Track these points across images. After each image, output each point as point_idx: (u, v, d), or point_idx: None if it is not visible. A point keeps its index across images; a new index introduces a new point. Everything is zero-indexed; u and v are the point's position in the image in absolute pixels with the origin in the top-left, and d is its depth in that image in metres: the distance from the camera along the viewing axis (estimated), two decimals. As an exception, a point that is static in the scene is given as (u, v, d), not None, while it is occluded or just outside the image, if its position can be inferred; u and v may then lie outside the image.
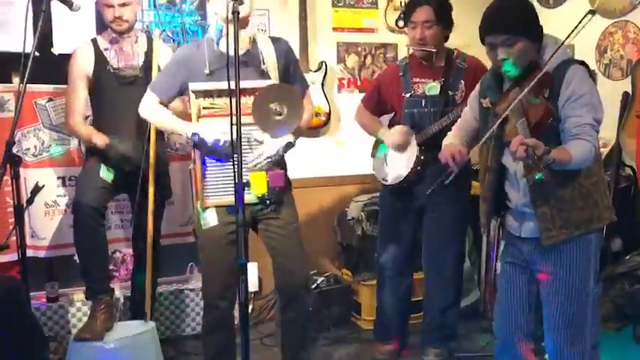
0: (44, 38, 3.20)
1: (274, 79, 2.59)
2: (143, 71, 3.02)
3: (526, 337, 2.23)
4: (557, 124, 2.00)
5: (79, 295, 3.40)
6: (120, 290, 3.46)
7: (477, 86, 2.32)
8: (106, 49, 3.02)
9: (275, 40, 2.68)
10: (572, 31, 1.95)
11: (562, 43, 1.98)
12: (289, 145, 2.59)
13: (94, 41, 3.05)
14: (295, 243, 2.69)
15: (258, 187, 2.48)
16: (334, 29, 4.18)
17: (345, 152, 4.19)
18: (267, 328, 3.78)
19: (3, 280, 2.65)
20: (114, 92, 3.00)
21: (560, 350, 2.13)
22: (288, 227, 2.66)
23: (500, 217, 2.32)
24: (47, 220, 3.38)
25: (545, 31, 2.13)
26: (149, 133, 2.94)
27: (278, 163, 2.61)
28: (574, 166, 1.94)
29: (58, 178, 3.40)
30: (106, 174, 2.91)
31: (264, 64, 2.59)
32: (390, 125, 3.31)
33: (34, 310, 3.14)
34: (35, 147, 3.35)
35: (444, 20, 3.07)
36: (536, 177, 1.79)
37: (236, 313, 2.66)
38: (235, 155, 2.00)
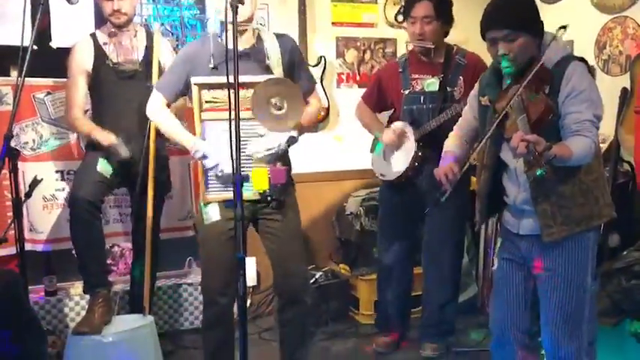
0: (43, 32, 3.20)
1: (278, 75, 2.58)
2: (143, 65, 3.02)
3: (522, 334, 2.24)
4: (558, 120, 2.00)
5: (77, 288, 3.40)
6: (118, 284, 3.47)
7: (476, 85, 2.31)
8: (105, 44, 3.02)
9: (279, 36, 2.68)
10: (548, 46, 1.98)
11: (522, 86, 1.98)
12: (292, 140, 2.57)
13: (94, 36, 3.05)
14: (295, 246, 2.68)
15: (259, 182, 2.47)
16: (333, 24, 4.18)
17: (344, 147, 4.19)
18: (265, 323, 3.79)
19: (1, 274, 2.65)
20: (113, 86, 3.00)
21: (558, 346, 2.13)
22: (289, 230, 2.65)
23: (498, 214, 2.32)
24: (45, 214, 3.38)
25: (545, 26, 2.12)
26: (149, 128, 2.94)
27: (281, 159, 2.59)
28: (574, 163, 1.94)
29: (57, 171, 3.40)
30: (103, 168, 2.91)
31: (268, 59, 2.59)
32: (390, 122, 3.32)
33: (32, 303, 3.14)
34: (34, 141, 3.35)
35: (443, 16, 3.07)
36: (537, 173, 1.79)
37: (234, 307, 2.67)
38: (234, 149, 2.00)
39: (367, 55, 4.27)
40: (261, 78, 2.49)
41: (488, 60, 2.28)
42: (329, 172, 4.16)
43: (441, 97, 3.10)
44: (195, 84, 2.52)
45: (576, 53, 2.75)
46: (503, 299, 2.27)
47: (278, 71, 2.59)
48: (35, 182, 2.82)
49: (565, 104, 1.99)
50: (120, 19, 2.97)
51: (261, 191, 2.50)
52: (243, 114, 2.52)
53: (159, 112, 2.65)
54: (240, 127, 2.51)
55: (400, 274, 3.36)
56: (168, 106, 2.65)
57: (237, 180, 1.98)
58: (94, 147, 3.00)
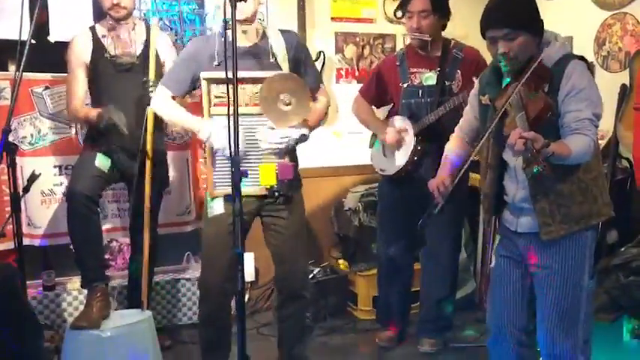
0: (41, 26, 3.18)
1: (285, 70, 2.58)
2: (141, 59, 3.01)
3: (518, 331, 2.24)
4: (557, 119, 2.00)
5: (75, 283, 3.40)
6: (117, 279, 3.47)
7: (476, 84, 2.32)
8: (103, 37, 3.01)
9: (284, 32, 2.67)
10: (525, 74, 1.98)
11: (520, 83, 1.98)
12: (302, 138, 2.57)
13: (93, 29, 3.04)
14: (299, 243, 2.69)
15: (266, 178, 2.47)
16: (332, 19, 4.16)
17: (343, 143, 4.19)
18: (263, 318, 3.79)
19: (-1, 268, 2.65)
20: (111, 79, 2.99)
21: (553, 343, 2.14)
22: (294, 227, 2.65)
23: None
24: (43, 209, 3.37)
25: (545, 22, 2.12)
26: (146, 122, 2.93)
27: (289, 155, 2.59)
28: (573, 161, 1.94)
29: (55, 166, 3.40)
30: (101, 162, 2.90)
31: (273, 56, 2.59)
32: (389, 116, 3.32)
33: (30, 298, 3.14)
34: (32, 135, 3.34)
35: (440, 10, 3.08)
36: (535, 170, 1.79)
37: (232, 302, 2.67)
38: (232, 144, 2.00)
39: (366, 51, 4.26)
40: (270, 73, 2.49)
41: (488, 55, 2.27)
42: (328, 167, 4.16)
43: (439, 90, 3.10)
44: (204, 79, 2.53)
45: (575, 50, 2.76)
46: (500, 296, 2.27)
47: (284, 67, 2.59)
48: (33, 177, 2.81)
49: (564, 103, 1.99)
50: (119, 13, 2.97)
51: (269, 186, 2.50)
52: (252, 109, 2.55)
53: (164, 104, 2.65)
54: (251, 123, 2.54)
55: (400, 270, 3.37)
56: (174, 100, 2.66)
57: (236, 176, 1.98)
58: (92, 141, 3.00)
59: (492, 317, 2.32)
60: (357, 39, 4.23)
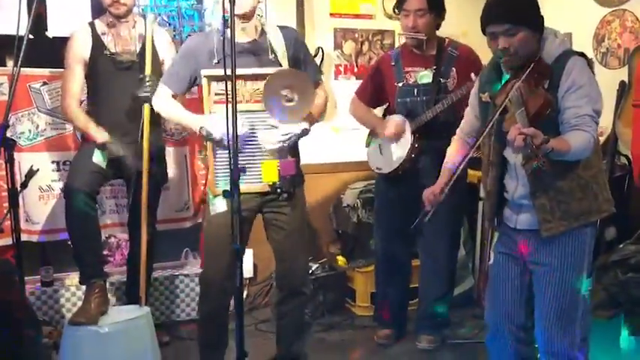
0: (38, 21, 3.18)
1: (285, 67, 2.58)
2: (141, 57, 3.00)
3: (517, 328, 2.24)
4: (557, 115, 2.00)
5: (73, 279, 3.39)
6: (115, 275, 3.47)
7: (476, 83, 2.32)
8: (103, 34, 3.00)
9: (282, 28, 2.67)
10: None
11: (520, 80, 1.98)
12: (305, 132, 2.57)
13: (92, 25, 3.02)
14: (301, 240, 2.69)
15: (269, 174, 2.47)
16: (331, 15, 4.16)
17: (342, 139, 4.18)
18: (261, 314, 3.79)
19: (-3, 264, 2.65)
20: (110, 77, 2.98)
21: (551, 340, 2.14)
22: (296, 223, 2.65)
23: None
24: (41, 205, 3.37)
25: (544, 18, 2.12)
26: (143, 119, 2.92)
27: (291, 150, 2.59)
28: (573, 157, 1.94)
29: (53, 162, 3.39)
30: (99, 158, 2.90)
31: (273, 52, 2.58)
32: (384, 116, 3.32)
33: (28, 294, 3.14)
34: (30, 131, 3.33)
35: (436, 8, 3.09)
36: (534, 166, 1.79)
37: (232, 300, 2.67)
38: (230, 141, 2.00)
39: (365, 47, 4.25)
40: (270, 70, 2.49)
41: (484, 53, 2.27)
42: (326, 163, 4.15)
43: (435, 88, 3.11)
44: (204, 76, 2.52)
45: (575, 46, 2.74)
46: (498, 293, 2.27)
47: (284, 64, 2.59)
48: (31, 173, 2.81)
49: (564, 99, 1.99)
50: (119, 10, 2.95)
51: (271, 183, 2.50)
52: (254, 106, 2.54)
53: (165, 102, 2.64)
54: (252, 120, 2.53)
55: (398, 267, 3.37)
56: (174, 98, 2.65)
57: (235, 172, 1.97)
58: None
59: (491, 314, 2.32)
60: (356, 35, 4.22)
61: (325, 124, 4.16)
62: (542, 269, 2.14)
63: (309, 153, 3.95)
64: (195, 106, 2.73)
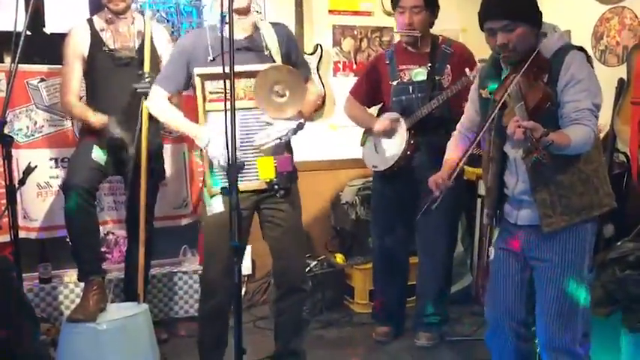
0: (36, 17, 3.17)
1: (278, 63, 2.57)
2: (139, 53, 2.99)
3: (517, 324, 2.24)
4: (556, 109, 2.00)
5: (71, 276, 3.39)
6: (113, 272, 3.47)
7: (476, 80, 2.32)
8: (102, 30, 2.99)
9: (275, 25, 2.67)
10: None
11: (519, 74, 1.98)
12: (300, 126, 2.56)
13: (90, 21, 3.02)
14: (297, 237, 2.69)
15: (265, 171, 2.46)
16: (330, 12, 4.15)
17: (340, 136, 4.17)
18: (260, 311, 3.79)
19: (-5, 261, 2.64)
20: (109, 73, 2.98)
21: (552, 337, 2.14)
22: (292, 220, 2.65)
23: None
24: (39, 202, 3.36)
25: (543, 16, 2.12)
26: (141, 116, 2.92)
27: (286, 146, 2.59)
28: (573, 151, 1.94)
29: (51, 159, 3.38)
30: (98, 155, 2.89)
31: (267, 49, 2.58)
32: (379, 114, 3.32)
33: (26, 291, 3.14)
34: (27, 127, 3.32)
35: (431, 6, 3.11)
36: (534, 159, 1.79)
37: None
38: (229, 138, 1.99)
39: (364, 44, 4.25)
40: (264, 66, 2.48)
41: (484, 50, 2.26)
42: (324, 161, 4.15)
43: (430, 86, 3.12)
44: (197, 75, 2.51)
45: (573, 44, 2.74)
46: (499, 289, 2.27)
47: (278, 60, 2.58)
48: (29, 169, 2.80)
49: (564, 93, 1.99)
50: (118, 6, 2.95)
51: (268, 180, 2.49)
52: (247, 103, 2.53)
53: (160, 105, 2.63)
54: (246, 117, 2.52)
55: (395, 264, 3.37)
56: (171, 99, 2.64)
57: (233, 169, 1.97)
58: (88, 133, 2.99)
59: (491, 310, 2.32)
60: (355, 32, 4.22)
61: (323, 121, 4.16)
62: (543, 265, 2.14)
63: (308, 150, 3.97)
64: (192, 103, 2.72)
